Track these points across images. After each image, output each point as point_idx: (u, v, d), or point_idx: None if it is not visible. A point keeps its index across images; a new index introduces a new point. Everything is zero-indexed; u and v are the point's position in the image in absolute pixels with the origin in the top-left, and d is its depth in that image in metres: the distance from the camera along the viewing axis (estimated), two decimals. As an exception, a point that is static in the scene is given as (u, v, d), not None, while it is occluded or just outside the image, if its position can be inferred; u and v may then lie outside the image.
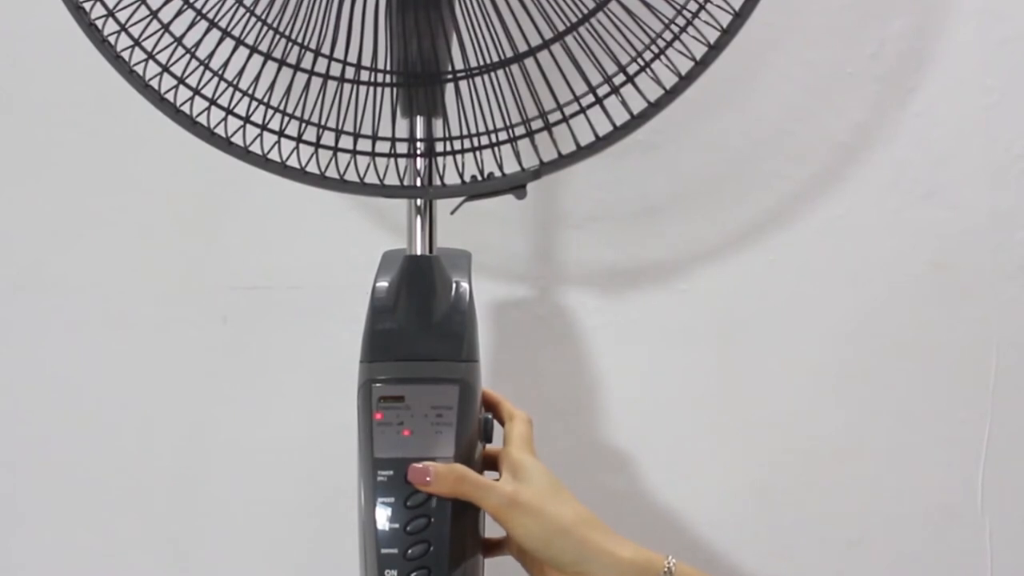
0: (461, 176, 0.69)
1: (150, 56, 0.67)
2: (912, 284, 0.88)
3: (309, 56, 0.67)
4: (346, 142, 0.68)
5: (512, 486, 0.66)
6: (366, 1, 0.66)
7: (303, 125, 0.68)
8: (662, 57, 0.66)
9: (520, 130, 0.67)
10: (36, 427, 0.92)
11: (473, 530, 0.69)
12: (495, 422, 0.73)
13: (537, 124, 0.67)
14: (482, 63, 0.66)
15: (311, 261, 0.91)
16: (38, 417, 0.92)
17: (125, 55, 0.67)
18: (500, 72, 0.66)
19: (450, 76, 0.67)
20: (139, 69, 0.67)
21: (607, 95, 0.66)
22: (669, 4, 0.66)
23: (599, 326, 0.89)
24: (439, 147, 0.69)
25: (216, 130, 0.68)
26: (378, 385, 0.69)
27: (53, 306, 0.92)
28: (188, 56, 0.67)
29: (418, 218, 0.73)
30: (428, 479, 0.65)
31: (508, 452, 0.70)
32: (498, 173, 0.68)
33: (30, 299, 0.92)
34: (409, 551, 0.66)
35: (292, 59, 0.66)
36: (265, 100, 0.68)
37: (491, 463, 0.72)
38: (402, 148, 0.69)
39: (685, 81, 0.66)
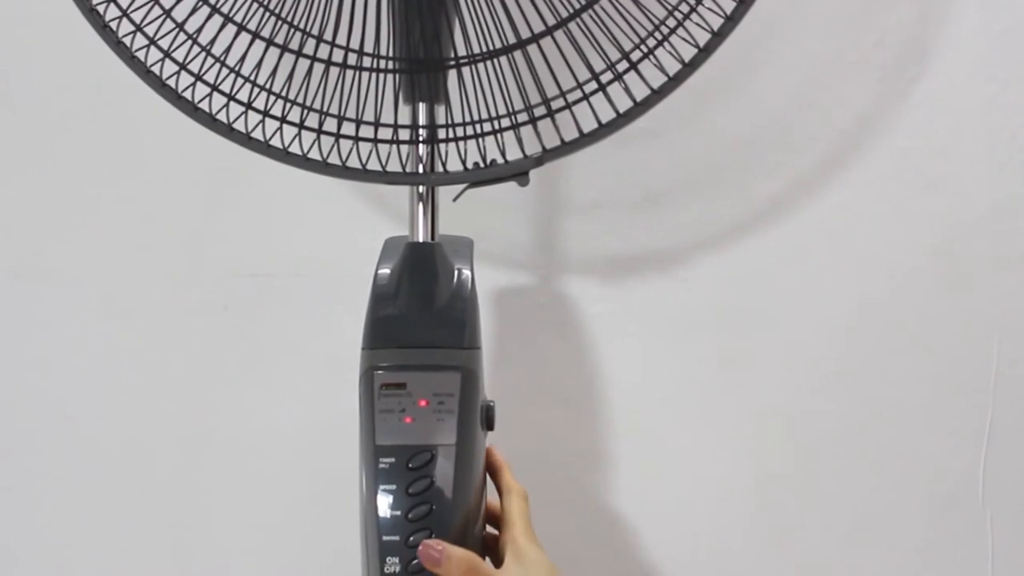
0: (463, 163, 0.68)
1: (152, 42, 0.67)
2: (914, 273, 0.88)
3: (311, 42, 0.66)
4: (348, 128, 0.67)
5: None
6: (368, -13, 0.66)
7: (305, 112, 0.68)
8: (665, 44, 0.66)
9: (523, 117, 0.67)
10: (36, 416, 0.92)
11: (476, 521, 0.69)
12: (497, 488, 0.72)
13: (540, 111, 0.67)
14: (485, 49, 0.66)
15: (312, 248, 0.91)
16: (38, 406, 0.92)
17: (127, 42, 0.67)
18: (503, 58, 0.66)
19: (452, 62, 0.67)
20: (141, 56, 0.67)
21: (610, 82, 0.66)
22: (672, -9, 0.66)
23: (601, 314, 0.89)
24: (441, 134, 0.69)
25: (217, 117, 0.68)
26: (380, 372, 0.69)
27: (53, 294, 0.92)
28: (191, 43, 0.67)
29: (420, 205, 0.73)
30: (440, 557, 0.64)
31: (514, 537, 0.69)
32: (501, 160, 0.68)
33: (30, 287, 0.92)
34: (411, 538, 0.65)
35: (294, 45, 0.66)
36: (267, 86, 0.68)
37: (491, 519, 0.72)
38: (404, 134, 0.69)
39: (688, 68, 0.66)
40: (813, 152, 0.88)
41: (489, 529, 0.72)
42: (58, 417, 0.92)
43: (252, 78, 0.67)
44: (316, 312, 0.90)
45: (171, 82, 0.68)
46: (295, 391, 0.91)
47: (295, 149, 0.68)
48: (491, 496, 0.73)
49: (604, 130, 0.67)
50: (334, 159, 0.68)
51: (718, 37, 0.66)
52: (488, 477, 0.72)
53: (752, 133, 0.88)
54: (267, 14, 0.66)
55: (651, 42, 0.66)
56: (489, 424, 0.71)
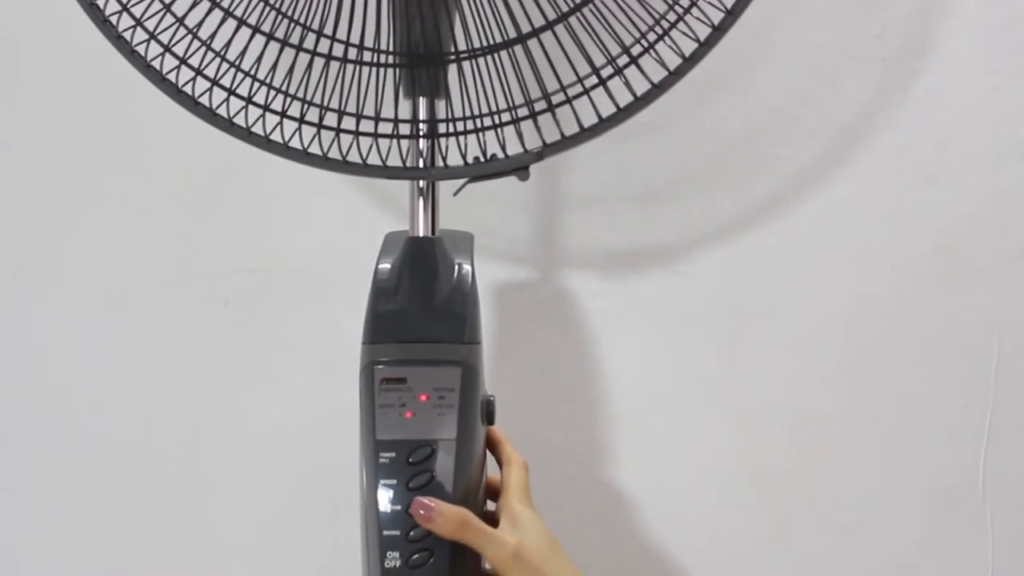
0: (464, 157, 0.68)
1: (152, 37, 0.67)
2: (915, 267, 0.88)
3: (311, 36, 0.66)
4: (348, 123, 0.67)
5: (515, 537, 0.66)
6: (368, -19, 0.66)
7: (305, 106, 0.67)
8: (666, 38, 0.66)
9: (523, 111, 0.67)
10: (36, 412, 0.92)
11: (476, 511, 0.68)
12: (498, 461, 0.73)
13: (540, 105, 0.67)
14: (485, 44, 0.66)
15: (313, 243, 0.90)
16: (38, 402, 0.92)
17: (127, 36, 0.67)
18: (503, 53, 0.66)
19: (453, 57, 0.66)
20: (141, 50, 0.67)
21: (611, 76, 0.66)
22: (673, -15, 0.66)
23: (601, 308, 0.89)
24: (442, 128, 0.68)
25: (218, 112, 0.68)
26: (380, 367, 0.69)
27: (54, 290, 0.92)
28: (191, 37, 0.67)
29: (420, 200, 0.73)
30: (430, 514, 0.65)
31: (508, 502, 0.69)
32: (501, 154, 0.68)
33: (31, 284, 0.92)
34: (411, 532, 0.66)
35: (294, 39, 0.66)
36: (267, 81, 0.67)
37: (491, 492, 0.72)
38: (404, 129, 0.69)
39: (689, 62, 0.66)
40: (814, 146, 0.88)
41: (490, 505, 0.73)
42: (59, 412, 0.92)
43: (252, 73, 0.67)
44: (317, 307, 0.90)
45: (171, 77, 0.68)
46: (295, 386, 0.91)
47: (295, 144, 0.68)
48: (492, 472, 0.73)
49: (605, 124, 0.67)
50: (334, 154, 0.68)
51: (718, 31, 0.66)
52: (489, 454, 0.73)
53: (753, 127, 0.88)
54: (267, 9, 0.66)
55: (651, 36, 0.66)
56: (489, 419, 0.71)
